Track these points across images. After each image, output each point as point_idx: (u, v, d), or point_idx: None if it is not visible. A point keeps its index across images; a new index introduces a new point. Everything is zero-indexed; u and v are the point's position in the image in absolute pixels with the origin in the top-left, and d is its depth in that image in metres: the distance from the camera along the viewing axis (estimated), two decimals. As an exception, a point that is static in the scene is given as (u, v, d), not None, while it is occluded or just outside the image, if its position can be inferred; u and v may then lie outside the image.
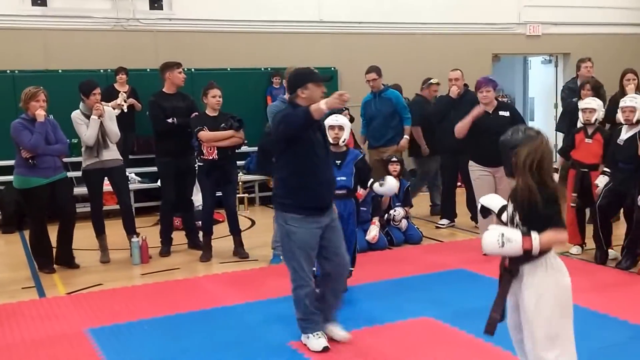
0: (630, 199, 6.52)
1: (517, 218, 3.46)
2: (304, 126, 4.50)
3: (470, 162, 7.43)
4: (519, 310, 3.51)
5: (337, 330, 4.95)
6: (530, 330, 3.44)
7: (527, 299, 3.43)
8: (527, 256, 3.36)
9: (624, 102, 6.69)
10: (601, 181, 6.77)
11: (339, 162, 6.08)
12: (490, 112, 7.29)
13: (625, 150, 6.58)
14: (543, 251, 3.38)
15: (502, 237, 3.33)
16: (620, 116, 6.70)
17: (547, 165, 3.40)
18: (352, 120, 8.70)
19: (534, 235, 3.33)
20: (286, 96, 7.15)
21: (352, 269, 5.95)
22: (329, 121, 5.98)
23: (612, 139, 6.81)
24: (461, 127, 7.43)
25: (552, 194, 3.36)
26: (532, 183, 3.34)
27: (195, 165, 7.67)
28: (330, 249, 4.81)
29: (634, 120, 6.59)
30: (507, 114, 7.27)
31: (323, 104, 4.40)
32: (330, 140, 5.62)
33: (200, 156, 7.40)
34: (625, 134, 6.68)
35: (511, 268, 3.44)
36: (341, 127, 6.04)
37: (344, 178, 6.02)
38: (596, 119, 7.06)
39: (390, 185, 6.00)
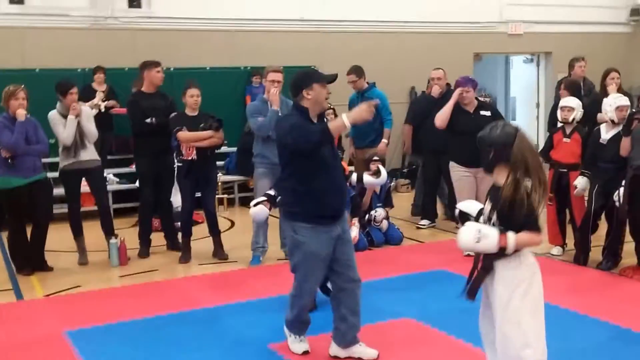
0: (613, 200, 6.47)
1: (494, 217, 3.48)
2: (319, 145, 4.26)
3: (451, 163, 7.42)
4: (491, 309, 3.54)
5: (366, 350, 4.66)
6: (502, 326, 3.46)
7: (498, 294, 3.46)
8: (501, 254, 3.41)
9: (620, 101, 6.58)
10: (580, 182, 6.76)
11: None
12: (471, 111, 7.30)
13: (608, 150, 6.53)
14: (517, 249, 3.42)
15: (479, 233, 3.37)
16: (615, 115, 6.55)
17: (530, 161, 3.43)
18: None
19: (510, 234, 3.37)
20: (265, 96, 7.16)
21: None
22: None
23: (592, 138, 6.77)
24: (442, 115, 7.40)
25: (531, 194, 3.39)
26: (519, 179, 3.38)
27: (175, 166, 7.62)
28: (343, 262, 4.53)
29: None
30: (488, 113, 7.27)
31: (346, 120, 4.18)
32: None
33: (179, 156, 7.34)
34: (607, 134, 6.62)
35: (485, 264, 3.48)
36: None
37: None
38: (574, 118, 7.03)
39: (383, 176, 5.94)
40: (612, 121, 6.56)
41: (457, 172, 7.31)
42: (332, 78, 4.57)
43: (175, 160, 7.54)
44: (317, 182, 4.33)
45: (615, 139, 6.49)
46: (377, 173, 6.02)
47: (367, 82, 9.03)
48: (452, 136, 7.39)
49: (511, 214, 3.39)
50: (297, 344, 4.73)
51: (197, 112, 7.34)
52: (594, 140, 6.71)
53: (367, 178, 5.74)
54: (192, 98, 7.30)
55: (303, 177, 4.35)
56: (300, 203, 4.38)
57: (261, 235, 7.24)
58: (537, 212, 3.42)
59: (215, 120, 7.29)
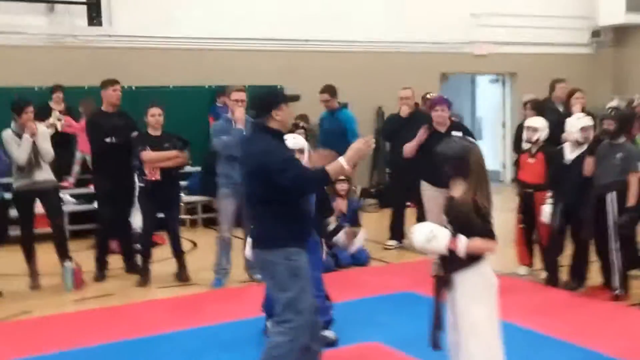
0: (577, 219, 6.48)
1: (449, 228, 3.62)
2: (319, 188, 4.21)
3: (422, 182, 7.30)
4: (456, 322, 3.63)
5: None
6: (466, 340, 3.56)
7: (459, 308, 3.57)
8: (456, 261, 3.53)
9: (584, 122, 6.56)
10: (546, 211, 6.68)
11: None
12: (443, 131, 7.20)
13: (572, 170, 6.50)
14: (474, 259, 3.53)
15: (431, 233, 3.55)
16: (579, 136, 6.51)
17: (483, 175, 3.60)
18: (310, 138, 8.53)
19: (461, 237, 3.51)
20: (230, 115, 7.00)
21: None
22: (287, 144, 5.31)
23: (556, 159, 6.73)
24: (409, 149, 7.36)
25: (484, 205, 3.54)
26: (474, 190, 3.54)
27: (135, 186, 7.41)
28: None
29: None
30: (460, 134, 7.18)
31: (345, 163, 4.00)
32: None
33: (142, 177, 7.14)
34: (571, 154, 6.59)
35: (445, 278, 3.59)
36: (301, 150, 5.13)
37: None
38: (538, 138, 6.99)
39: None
40: (577, 141, 6.54)
41: (428, 192, 7.19)
42: (297, 98, 4.45)
43: (137, 181, 7.34)
44: (301, 206, 4.18)
45: (580, 159, 6.49)
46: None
47: (339, 103, 8.95)
48: (423, 156, 7.28)
49: (467, 224, 3.53)
50: None
51: (161, 131, 7.19)
52: (558, 160, 6.69)
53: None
54: (154, 117, 7.16)
55: (288, 201, 4.06)
56: (289, 227, 4.09)
57: (224, 257, 7.07)
58: (491, 222, 3.57)
59: (180, 140, 7.14)
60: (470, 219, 3.52)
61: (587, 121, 6.59)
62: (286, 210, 4.06)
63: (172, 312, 6.27)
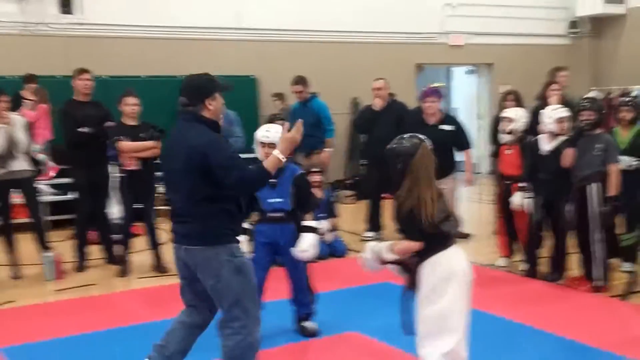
0: (556, 211, 6.53)
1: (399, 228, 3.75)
2: (261, 187, 4.04)
3: None
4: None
5: None
6: (420, 328, 3.65)
7: (419, 298, 3.67)
8: (405, 265, 3.69)
9: (560, 113, 6.52)
10: (515, 197, 6.77)
11: (274, 180, 4.96)
12: (432, 123, 7.22)
13: (549, 161, 6.51)
14: (429, 252, 3.61)
15: (368, 261, 3.81)
16: (555, 127, 6.48)
17: (423, 174, 3.67)
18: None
19: (387, 244, 3.70)
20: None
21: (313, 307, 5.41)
22: (259, 137, 5.05)
23: (531, 150, 6.73)
24: None
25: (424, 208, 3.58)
26: (415, 189, 3.62)
27: (111, 176, 7.42)
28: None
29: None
30: (449, 127, 7.21)
31: (280, 155, 3.83)
32: (261, 159, 4.75)
33: (119, 167, 7.14)
34: (547, 145, 6.57)
35: (410, 284, 3.66)
36: (272, 145, 4.68)
37: (280, 200, 5.09)
38: (512, 129, 6.99)
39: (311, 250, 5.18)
40: (553, 133, 6.54)
41: None
42: (231, 87, 4.23)
43: (113, 171, 7.35)
44: (237, 200, 3.99)
45: (556, 151, 6.49)
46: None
47: (309, 93, 9.02)
48: None
49: (405, 222, 3.64)
50: None
51: (137, 121, 7.17)
52: (533, 151, 6.69)
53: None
54: (129, 107, 7.17)
55: (228, 197, 3.88)
56: (231, 223, 3.93)
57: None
58: (424, 223, 3.58)
59: (157, 130, 7.16)
60: (409, 218, 3.61)
61: (563, 112, 6.56)
62: (227, 206, 3.87)
63: (152, 302, 6.30)
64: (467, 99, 15.73)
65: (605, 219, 6.23)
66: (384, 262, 3.71)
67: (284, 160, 3.86)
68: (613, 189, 6.20)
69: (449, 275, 3.59)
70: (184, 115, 3.98)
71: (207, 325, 4.14)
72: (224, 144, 3.89)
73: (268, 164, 3.82)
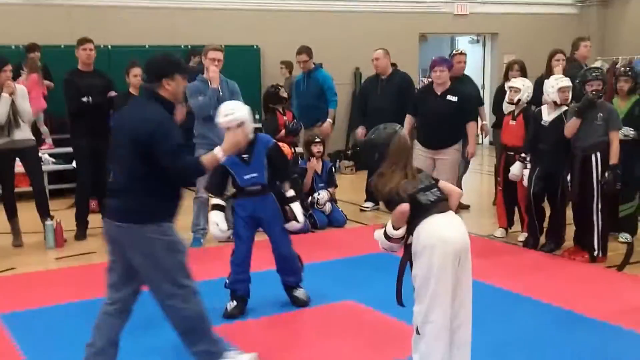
0: (555, 182, 6.53)
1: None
2: (194, 180, 4.00)
3: (414, 142, 7.27)
4: None
5: None
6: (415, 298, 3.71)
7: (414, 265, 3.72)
8: (397, 237, 3.72)
9: (562, 82, 6.50)
10: (514, 168, 6.76)
11: (246, 155, 5.00)
12: (439, 94, 7.19)
13: (550, 131, 6.50)
14: (412, 225, 3.67)
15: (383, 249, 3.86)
16: (557, 97, 6.47)
17: (398, 161, 3.73)
18: (287, 98, 8.59)
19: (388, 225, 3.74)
20: (205, 75, 7.04)
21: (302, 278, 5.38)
22: (223, 121, 4.68)
23: (533, 120, 6.70)
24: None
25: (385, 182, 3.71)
26: (391, 171, 3.71)
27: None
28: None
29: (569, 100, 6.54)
30: (455, 99, 7.16)
31: (220, 153, 3.86)
32: None
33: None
34: (548, 116, 6.55)
35: (406, 255, 3.74)
36: (241, 124, 4.57)
37: (254, 174, 5.05)
38: (519, 99, 6.95)
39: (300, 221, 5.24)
40: (555, 103, 6.51)
41: (417, 151, 7.09)
42: (194, 70, 4.18)
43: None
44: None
45: (557, 121, 6.48)
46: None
47: (314, 64, 8.99)
48: (416, 116, 7.40)
49: (388, 202, 3.75)
50: (241, 357, 4.13)
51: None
52: (535, 122, 6.66)
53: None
54: (136, 78, 7.20)
55: (161, 177, 3.76)
56: (166, 202, 3.86)
57: (202, 217, 7.14)
58: (395, 190, 3.70)
59: None
60: (389, 199, 3.73)
61: (566, 82, 6.52)
62: (165, 185, 3.79)
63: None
64: (471, 69, 15.48)
65: (609, 188, 6.21)
66: (395, 241, 3.75)
67: (221, 159, 3.88)
68: (614, 157, 6.19)
69: (427, 243, 3.64)
70: (142, 91, 3.96)
71: (131, 310, 4.03)
72: (173, 129, 3.80)
73: (206, 161, 3.83)
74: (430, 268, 3.59)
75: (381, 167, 3.76)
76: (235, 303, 5.15)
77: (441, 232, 3.65)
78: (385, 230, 3.74)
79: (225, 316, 5.08)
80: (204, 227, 7.14)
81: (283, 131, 8.05)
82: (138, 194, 3.75)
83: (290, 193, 5.17)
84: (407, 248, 3.74)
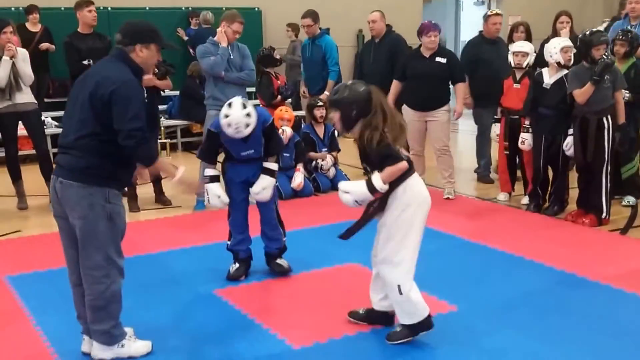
0: (557, 145, 6.53)
1: (368, 168, 3.89)
2: (142, 163, 3.78)
3: (403, 106, 7.35)
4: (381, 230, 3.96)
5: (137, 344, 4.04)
6: (385, 243, 3.92)
7: (388, 216, 3.88)
8: (384, 192, 3.80)
9: (565, 42, 6.50)
10: (526, 137, 6.74)
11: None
12: (427, 56, 7.20)
13: (552, 94, 6.47)
14: (398, 180, 3.79)
15: (350, 195, 3.90)
16: (560, 57, 6.44)
17: (388, 109, 3.83)
18: (281, 61, 8.51)
19: (374, 175, 3.77)
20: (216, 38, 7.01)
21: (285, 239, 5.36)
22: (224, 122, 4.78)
23: (534, 83, 6.66)
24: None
25: (383, 137, 3.76)
26: (376, 124, 3.76)
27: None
28: None
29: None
30: (444, 60, 7.16)
31: (177, 176, 3.82)
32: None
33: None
34: (550, 78, 6.52)
35: (380, 204, 3.87)
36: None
37: (251, 151, 5.04)
38: (528, 64, 6.95)
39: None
40: (559, 64, 6.47)
41: (407, 116, 7.14)
42: (172, 47, 4.14)
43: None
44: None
45: (559, 84, 6.45)
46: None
47: (320, 29, 8.90)
48: (406, 81, 7.37)
49: (376, 156, 3.78)
50: (135, 343, 4.01)
51: None
52: (536, 84, 6.62)
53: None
54: None
55: (113, 140, 3.60)
56: (116, 168, 3.70)
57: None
58: (394, 147, 3.81)
59: (167, 64, 7.12)
60: (378, 151, 3.75)
61: (568, 41, 6.51)
62: (117, 150, 3.61)
63: (156, 234, 6.37)
64: (475, 32, 15.34)
65: (622, 146, 6.28)
66: (378, 195, 3.83)
67: (176, 181, 3.84)
68: (622, 116, 6.21)
69: (415, 201, 3.84)
70: (114, 51, 3.86)
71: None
72: (136, 93, 3.67)
73: (159, 162, 3.78)
74: (414, 221, 3.83)
75: (366, 121, 3.79)
76: (237, 265, 5.18)
77: (425, 192, 3.91)
78: (371, 184, 3.78)
79: (228, 278, 5.11)
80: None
81: (279, 97, 8.03)
82: (86, 152, 3.62)
83: (269, 165, 5.06)
84: (383, 200, 3.84)
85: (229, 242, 5.23)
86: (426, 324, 3.95)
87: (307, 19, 8.75)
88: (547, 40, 7.38)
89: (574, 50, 6.53)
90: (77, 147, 3.64)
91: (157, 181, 7.45)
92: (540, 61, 7.04)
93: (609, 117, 6.23)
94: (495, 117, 7.33)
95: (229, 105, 4.79)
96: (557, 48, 6.44)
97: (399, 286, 3.88)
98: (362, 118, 3.81)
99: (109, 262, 3.74)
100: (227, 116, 4.74)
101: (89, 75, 3.76)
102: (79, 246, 3.75)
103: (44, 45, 9.93)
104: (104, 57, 3.88)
